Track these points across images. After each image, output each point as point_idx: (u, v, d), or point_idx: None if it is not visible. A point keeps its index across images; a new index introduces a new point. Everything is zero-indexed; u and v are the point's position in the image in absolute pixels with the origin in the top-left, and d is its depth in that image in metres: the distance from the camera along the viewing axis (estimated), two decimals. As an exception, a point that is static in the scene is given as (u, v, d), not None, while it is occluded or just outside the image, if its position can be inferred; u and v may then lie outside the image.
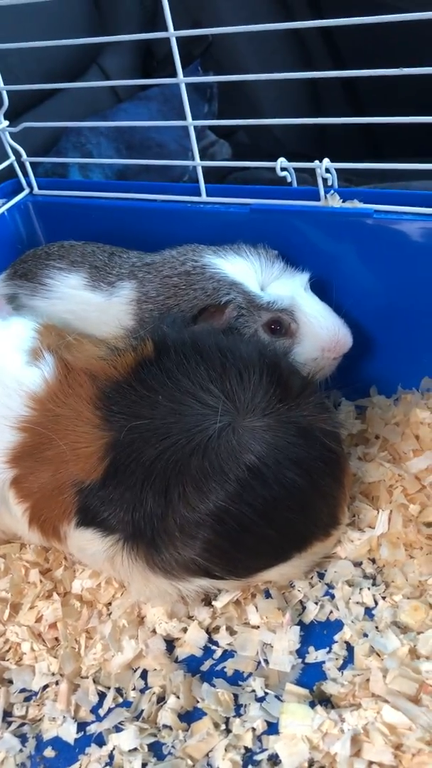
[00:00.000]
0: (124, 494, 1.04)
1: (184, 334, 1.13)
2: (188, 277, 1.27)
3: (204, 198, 1.45)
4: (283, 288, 1.28)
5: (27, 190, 1.65)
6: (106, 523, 1.06)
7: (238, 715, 1.03)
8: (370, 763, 0.92)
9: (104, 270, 1.36)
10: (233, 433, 1.04)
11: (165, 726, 1.03)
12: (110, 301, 1.33)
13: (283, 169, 1.35)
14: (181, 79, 1.37)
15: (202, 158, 2.62)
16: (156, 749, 1.01)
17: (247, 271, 1.28)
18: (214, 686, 1.06)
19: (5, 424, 1.09)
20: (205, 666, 1.11)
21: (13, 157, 1.63)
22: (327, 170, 1.31)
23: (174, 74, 2.59)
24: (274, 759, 0.97)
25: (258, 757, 0.98)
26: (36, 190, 1.65)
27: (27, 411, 1.10)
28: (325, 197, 1.35)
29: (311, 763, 0.94)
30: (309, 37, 2.80)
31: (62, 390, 1.11)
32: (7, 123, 1.59)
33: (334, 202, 1.34)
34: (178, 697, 1.05)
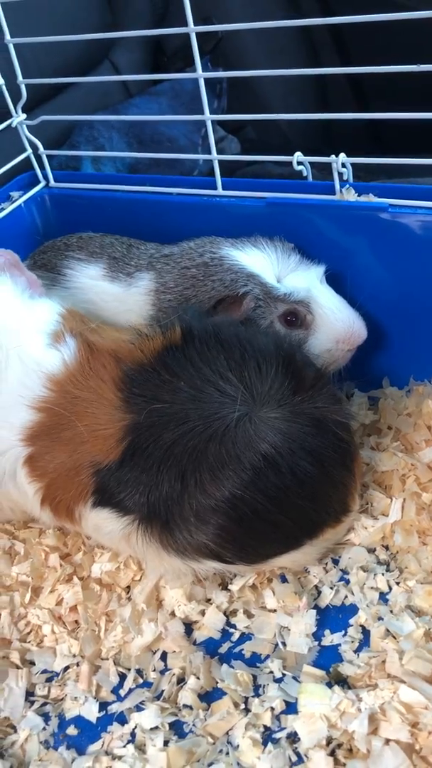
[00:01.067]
0: (140, 476, 1.07)
1: (207, 324, 1.15)
2: (206, 268, 1.29)
3: (220, 191, 1.48)
4: (299, 280, 1.30)
5: (43, 183, 1.67)
6: (122, 503, 1.09)
7: (257, 695, 1.05)
8: (388, 740, 0.94)
9: (123, 261, 1.38)
10: (250, 422, 1.06)
11: (185, 706, 1.06)
12: (129, 291, 1.35)
13: (299, 163, 1.37)
14: (200, 74, 1.38)
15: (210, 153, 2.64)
16: (177, 728, 1.03)
17: (264, 263, 1.30)
18: (232, 668, 1.09)
19: (23, 403, 1.12)
20: (223, 648, 1.13)
21: (30, 150, 1.65)
22: (343, 165, 1.34)
23: (183, 70, 2.62)
24: (292, 737, 0.99)
25: (277, 735, 1.00)
26: (52, 182, 1.67)
27: (45, 392, 1.12)
28: (341, 191, 1.37)
29: (329, 740, 0.97)
30: (317, 34, 2.82)
31: (83, 372, 1.13)
32: (24, 116, 1.61)
33: (350, 196, 1.37)
34: (198, 678, 1.07)
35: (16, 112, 1.60)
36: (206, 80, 2.68)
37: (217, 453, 1.05)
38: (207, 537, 1.07)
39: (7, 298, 1.22)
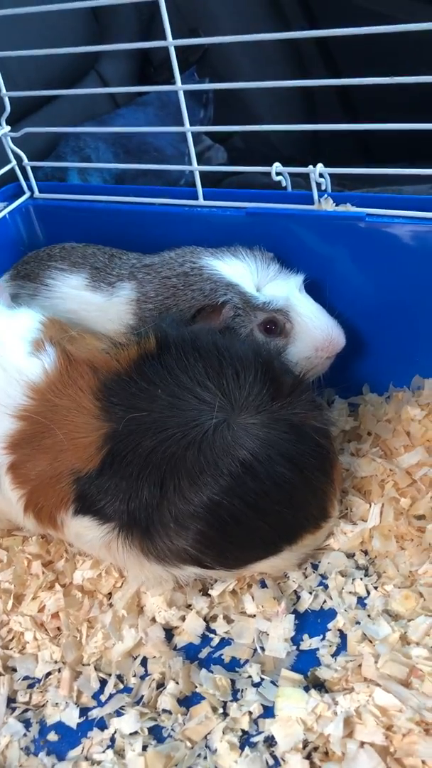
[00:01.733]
0: (120, 484, 1.08)
1: (184, 332, 1.17)
2: (186, 278, 1.31)
3: (201, 202, 1.49)
4: (278, 289, 1.32)
5: (28, 194, 1.69)
6: (102, 511, 1.10)
7: (235, 699, 1.07)
8: (362, 743, 0.95)
9: (105, 271, 1.40)
10: (228, 429, 1.08)
11: (164, 710, 1.07)
12: (111, 300, 1.37)
13: (278, 173, 1.39)
14: (180, 86, 1.41)
15: (198, 163, 2.67)
16: (156, 732, 1.04)
17: (244, 273, 1.32)
18: (211, 672, 1.10)
19: (4, 412, 1.13)
20: (203, 653, 1.14)
21: (14, 162, 1.67)
22: (321, 175, 1.36)
23: (170, 80, 2.64)
24: (270, 741, 1.01)
25: (254, 739, 1.01)
26: (37, 193, 1.68)
27: (26, 400, 1.14)
28: (319, 201, 1.39)
29: (305, 744, 0.98)
30: (304, 44, 2.85)
31: (62, 381, 1.14)
32: (8, 128, 1.63)
33: (328, 205, 1.39)
34: (177, 683, 1.09)
35: (0, 124, 1.61)
36: (192, 90, 2.71)
37: (195, 460, 1.06)
38: (187, 543, 1.08)
39: None
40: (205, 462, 1.06)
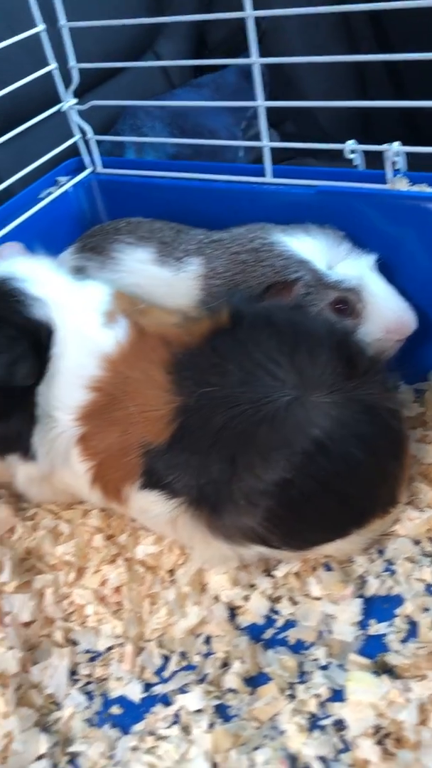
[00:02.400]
0: (189, 459, 1.07)
1: (258, 307, 1.15)
2: (257, 253, 1.29)
3: (269, 179, 1.47)
4: (350, 268, 1.29)
5: (90, 169, 1.68)
6: (170, 486, 1.09)
7: (302, 681, 1.05)
8: (437, 730, 0.93)
9: (172, 246, 1.38)
10: (301, 406, 1.05)
11: (230, 689, 1.05)
12: (177, 276, 1.35)
13: (352, 151, 1.36)
14: (256, 60, 1.38)
15: (251, 147, 2.64)
16: (222, 711, 1.03)
17: (315, 250, 1.29)
18: (277, 653, 1.08)
19: (78, 383, 1.12)
20: (267, 634, 1.12)
21: (78, 135, 1.65)
22: (397, 154, 1.32)
23: (223, 65, 2.61)
24: (339, 724, 0.98)
25: (323, 722, 0.99)
26: (99, 168, 1.67)
27: (99, 371, 1.13)
28: (392, 181, 1.36)
29: (377, 729, 0.96)
30: (358, 27, 2.80)
31: (134, 353, 1.13)
32: (75, 101, 1.62)
33: (402, 185, 1.35)
34: (243, 662, 1.07)
35: (67, 96, 1.60)
36: (248, 74, 2.69)
37: (267, 437, 1.04)
38: (255, 521, 1.06)
39: (59, 278, 1.23)
40: (277, 439, 1.04)
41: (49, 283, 1.19)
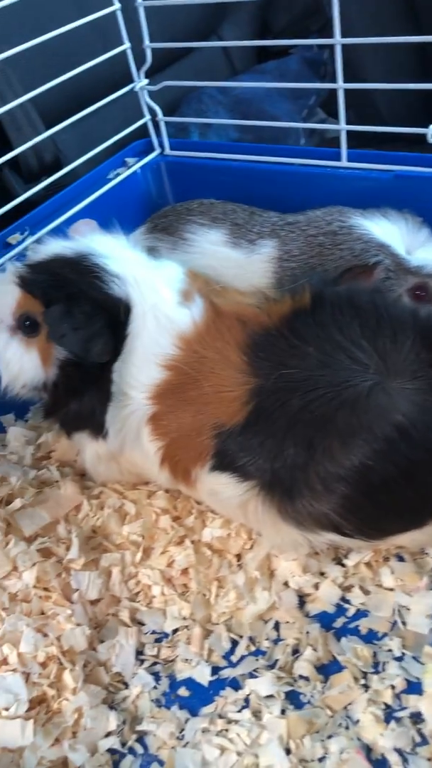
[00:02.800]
0: (264, 442, 1.05)
1: (341, 289, 1.12)
2: (335, 236, 1.27)
3: (344, 163, 1.45)
4: (429, 254, 1.26)
5: (158, 150, 1.67)
6: (243, 469, 1.07)
7: (376, 672, 1.02)
8: None
9: (245, 228, 1.36)
10: (383, 392, 1.03)
11: (301, 677, 1.03)
12: (250, 258, 1.33)
13: (433, 135, 1.33)
14: (338, 40, 1.35)
15: (311, 135, 2.61)
16: (293, 698, 1.01)
17: (395, 235, 1.27)
18: (350, 642, 1.06)
19: (153, 361, 1.11)
20: (338, 623, 1.10)
21: (148, 116, 1.64)
22: None
23: (287, 50, 2.58)
24: (416, 717, 0.96)
25: (399, 714, 0.97)
26: (167, 150, 1.66)
27: (175, 350, 1.11)
28: None
29: (457, 725, 0.93)
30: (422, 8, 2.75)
31: (210, 333, 1.12)
32: (146, 81, 1.61)
33: None
34: (315, 650, 1.05)
35: (139, 77, 1.59)
36: (310, 61, 2.65)
37: (347, 421, 1.01)
38: (329, 507, 1.04)
39: (136, 256, 1.22)
40: (357, 424, 1.02)
41: (127, 260, 1.18)
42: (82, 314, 1.10)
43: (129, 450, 1.19)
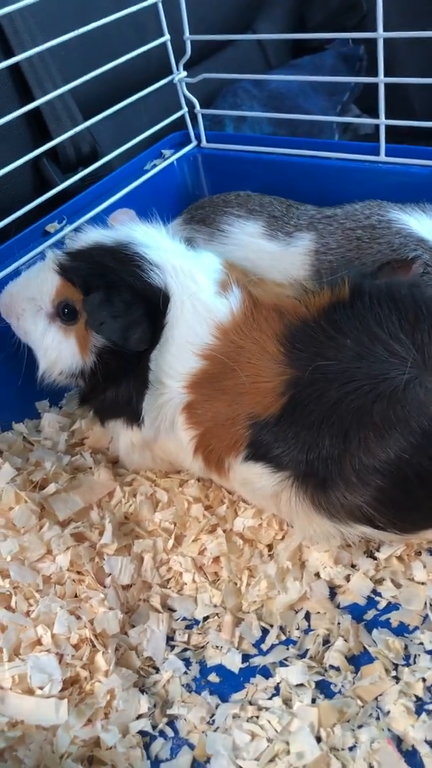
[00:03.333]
0: (299, 433, 1.05)
1: (380, 283, 1.12)
2: (373, 230, 1.27)
3: (383, 158, 1.44)
4: (468, 250, 1.26)
5: (195, 143, 1.67)
6: (277, 459, 1.07)
7: (407, 664, 1.02)
8: None
9: (282, 220, 1.37)
10: (420, 386, 1.03)
11: (332, 667, 1.04)
12: (287, 250, 1.34)
13: None
14: (381, 34, 1.34)
15: (345, 131, 2.60)
16: (324, 687, 1.02)
17: (434, 230, 1.26)
18: (381, 634, 1.06)
19: (191, 350, 1.12)
20: (369, 615, 1.10)
21: (185, 108, 1.65)
22: None
23: (322, 46, 2.57)
24: (447, 711, 0.96)
25: (430, 707, 0.97)
26: (204, 142, 1.66)
27: (212, 339, 1.12)
28: None
29: None
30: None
31: (247, 323, 1.12)
32: (185, 73, 1.61)
33: None
34: (346, 641, 1.05)
35: (178, 69, 1.60)
36: (346, 57, 2.64)
37: (383, 414, 1.01)
38: (363, 499, 1.04)
39: (176, 246, 1.23)
40: (394, 417, 1.02)
41: (166, 250, 1.19)
42: (121, 302, 1.11)
43: (163, 438, 1.20)
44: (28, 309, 1.20)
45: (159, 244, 1.20)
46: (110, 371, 1.18)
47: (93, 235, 1.22)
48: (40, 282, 1.20)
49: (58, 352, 1.19)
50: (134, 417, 1.18)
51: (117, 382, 1.18)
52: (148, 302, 1.13)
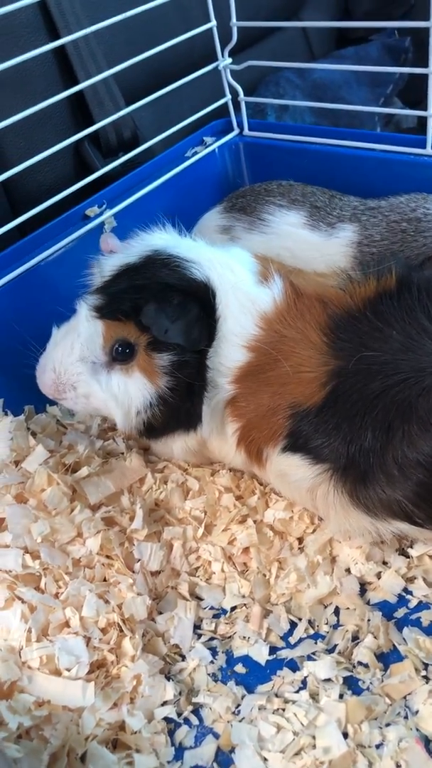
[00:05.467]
0: (341, 424, 1.03)
1: (427, 274, 1.10)
2: (419, 223, 1.25)
3: (429, 150, 1.42)
4: None
5: (237, 131, 1.66)
6: (317, 450, 1.06)
7: (438, 664, 1.01)
8: None
9: (325, 211, 1.35)
10: None
11: (360, 663, 1.03)
12: (329, 241, 1.32)
13: None
14: (432, 23, 1.32)
15: (387, 124, 2.56)
16: (352, 683, 1.01)
17: None
18: (411, 633, 1.05)
19: (237, 343, 1.10)
20: (399, 613, 1.09)
21: (229, 96, 1.64)
22: None
23: (367, 36, 2.53)
24: None
25: (460, 709, 0.96)
26: (246, 131, 1.65)
27: (257, 330, 1.10)
28: None
29: None
30: None
31: (290, 312, 1.11)
32: (230, 60, 1.60)
33: None
34: (375, 638, 1.04)
35: (223, 55, 1.58)
36: (391, 49, 2.59)
37: (428, 408, 0.99)
38: (403, 494, 1.02)
39: (199, 242, 1.20)
40: None
41: (195, 247, 1.17)
42: (175, 306, 1.07)
43: (215, 437, 1.18)
44: (83, 371, 1.14)
45: (184, 243, 1.18)
46: (185, 383, 1.11)
47: (113, 262, 1.16)
48: (83, 337, 1.13)
49: (128, 394, 1.13)
50: (194, 422, 1.15)
51: (192, 392, 1.13)
52: (199, 299, 1.10)
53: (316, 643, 1.06)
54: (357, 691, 1.00)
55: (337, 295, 1.10)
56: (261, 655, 1.06)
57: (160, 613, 1.12)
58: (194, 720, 0.99)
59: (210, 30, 1.60)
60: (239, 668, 1.05)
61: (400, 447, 1.00)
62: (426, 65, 1.35)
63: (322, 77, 2.24)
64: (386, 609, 1.10)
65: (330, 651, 1.05)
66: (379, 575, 1.13)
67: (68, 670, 1.00)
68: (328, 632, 1.08)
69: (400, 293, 1.06)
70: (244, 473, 1.28)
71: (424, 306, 1.04)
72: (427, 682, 0.98)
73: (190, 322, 1.07)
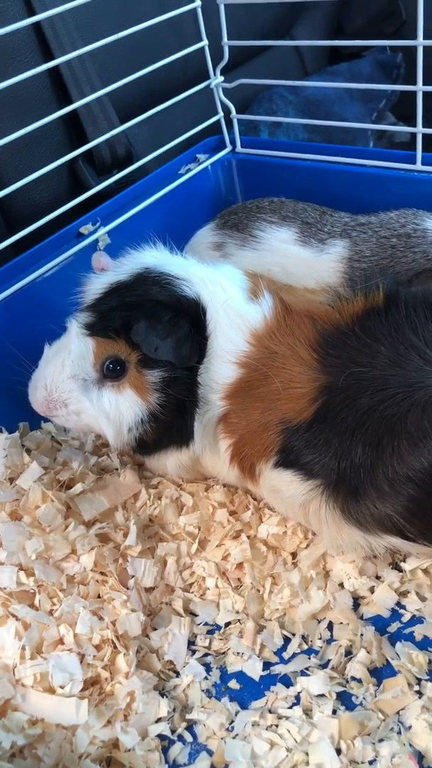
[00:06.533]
0: (331, 440, 1.04)
1: (415, 290, 1.11)
2: (408, 239, 1.26)
3: (419, 166, 1.43)
4: None
5: (229, 148, 1.68)
6: (308, 466, 1.06)
7: (431, 679, 1.01)
8: None
9: (315, 227, 1.36)
10: None
11: (353, 678, 1.03)
12: (320, 257, 1.33)
13: None
14: (420, 42, 1.34)
15: (380, 138, 2.58)
16: (345, 699, 1.01)
17: (470, 240, 1.25)
18: (404, 648, 1.05)
19: (227, 359, 1.11)
20: (392, 628, 1.09)
21: (221, 113, 1.65)
22: None
23: (360, 52, 2.55)
24: (470, 729, 0.95)
25: (453, 724, 0.96)
26: (239, 147, 1.67)
27: (247, 347, 1.11)
28: None
29: None
30: None
31: (280, 328, 1.12)
32: (222, 78, 1.62)
33: None
34: (368, 653, 1.04)
35: (215, 74, 1.60)
36: (383, 64, 2.62)
37: (418, 423, 1.00)
38: (394, 509, 1.03)
39: (189, 259, 1.21)
40: (429, 426, 1.00)
41: (185, 264, 1.18)
42: (165, 323, 1.08)
43: (208, 453, 1.19)
44: (74, 389, 1.14)
45: (175, 261, 1.19)
46: (176, 398, 1.12)
47: (104, 279, 1.16)
48: (74, 355, 1.14)
49: (120, 411, 1.13)
50: (186, 439, 1.16)
51: (183, 409, 1.13)
52: (189, 316, 1.11)
53: (309, 658, 1.06)
54: (350, 706, 1.00)
55: (326, 312, 1.11)
56: (255, 670, 1.06)
57: (154, 629, 1.12)
58: (188, 737, 0.99)
59: (203, 48, 1.62)
60: (233, 684, 1.05)
61: (390, 462, 1.01)
62: (411, 79, 1.37)
63: (315, 93, 2.27)
64: (379, 623, 1.10)
65: (323, 666, 1.05)
66: (372, 589, 1.14)
67: (62, 687, 1.00)
68: (321, 647, 1.08)
69: (387, 309, 1.07)
70: (237, 488, 1.29)
71: (411, 322, 1.05)
72: (420, 697, 0.99)
73: (180, 339, 1.07)
